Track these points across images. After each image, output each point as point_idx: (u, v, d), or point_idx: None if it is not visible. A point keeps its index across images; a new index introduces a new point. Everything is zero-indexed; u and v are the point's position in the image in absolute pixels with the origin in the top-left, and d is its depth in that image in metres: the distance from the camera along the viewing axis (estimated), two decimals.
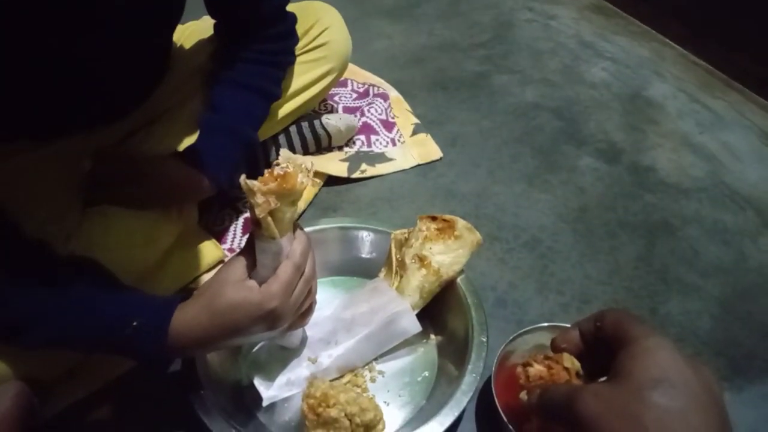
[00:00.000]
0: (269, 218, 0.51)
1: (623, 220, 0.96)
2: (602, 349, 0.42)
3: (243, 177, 0.50)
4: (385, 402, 0.66)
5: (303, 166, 0.52)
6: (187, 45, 0.92)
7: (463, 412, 0.61)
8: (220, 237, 0.88)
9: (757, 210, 0.99)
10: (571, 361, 0.47)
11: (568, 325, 0.69)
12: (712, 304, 0.83)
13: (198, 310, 0.53)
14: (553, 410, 0.40)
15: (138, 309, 0.54)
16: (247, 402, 0.65)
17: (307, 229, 0.78)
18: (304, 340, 0.69)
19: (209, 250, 0.82)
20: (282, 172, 0.50)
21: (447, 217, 0.74)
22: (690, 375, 0.35)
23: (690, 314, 0.81)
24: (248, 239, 0.57)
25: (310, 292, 0.60)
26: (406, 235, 0.76)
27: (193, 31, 0.94)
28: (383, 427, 0.60)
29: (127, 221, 0.71)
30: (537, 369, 0.49)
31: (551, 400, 0.41)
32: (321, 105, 1.13)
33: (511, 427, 0.60)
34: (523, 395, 0.46)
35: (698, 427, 0.32)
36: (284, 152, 0.53)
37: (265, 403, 0.63)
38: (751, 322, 0.80)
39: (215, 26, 0.87)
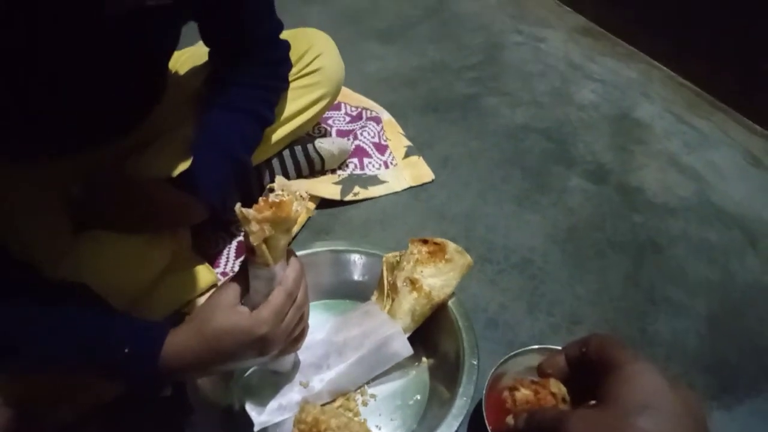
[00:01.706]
0: (264, 246, 0.52)
1: (612, 240, 0.97)
2: (588, 374, 0.43)
3: (238, 205, 0.51)
4: (377, 426, 0.66)
5: (298, 194, 0.53)
6: (183, 71, 0.94)
7: None
8: (213, 261, 0.89)
9: (743, 228, 1.01)
10: (557, 386, 0.48)
11: (559, 347, 0.70)
12: (700, 322, 0.84)
13: (189, 335, 0.54)
14: (535, 427, 0.41)
15: (129, 334, 0.55)
16: (238, 427, 0.65)
17: (299, 253, 0.79)
18: (296, 365, 0.69)
19: (202, 274, 0.83)
20: (277, 200, 0.52)
21: (438, 240, 0.75)
22: (673, 399, 0.36)
23: (678, 332, 0.82)
24: (242, 265, 0.57)
25: (302, 318, 0.61)
26: (398, 258, 0.77)
27: (189, 57, 0.95)
28: None
29: (118, 245, 0.72)
30: (524, 393, 0.50)
31: (539, 423, 0.42)
32: (314, 128, 1.15)
33: None
34: (510, 419, 0.47)
35: None
36: (279, 179, 0.54)
37: (256, 429, 0.63)
38: (738, 340, 0.82)
39: (210, 53, 0.89)
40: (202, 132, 0.81)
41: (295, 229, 0.93)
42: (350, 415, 0.66)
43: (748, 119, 1.29)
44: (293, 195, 0.53)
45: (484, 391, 0.65)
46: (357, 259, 0.80)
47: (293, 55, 0.90)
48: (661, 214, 1.04)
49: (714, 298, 0.88)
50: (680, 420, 0.35)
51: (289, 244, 0.77)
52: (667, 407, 0.35)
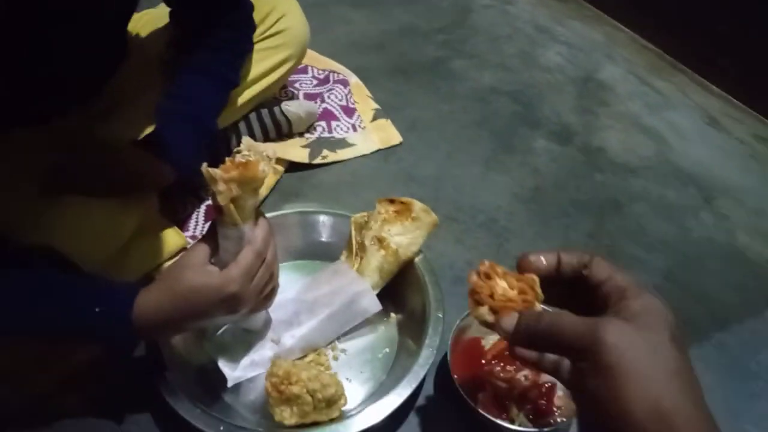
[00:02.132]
0: (231, 205, 0.53)
1: (575, 199, 1.00)
2: (577, 288, 0.42)
3: (205, 165, 0.51)
4: (347, 378, 0.68)
5: (265, 154, 0.54)
6: (144, 33, 0.91)
7: (422, 384, 0.64)
8: (182, 225, 0.88)
9: (699, 186, 1.05)
10: (540, 292, 0.44)
11: None
12: (656, 275, 0.88)
13: (160, 294, 0.55)
14: (559, 336, 0.37)
15: (99, 294, 0.55)
16: (212, 384, 0.66)
17: (268, 215, 0.79)
18: (267, 323, 0.70)
19: (171, 238, 0.83)
20: (244, 161, 0.52)
21: (404, 199, 0.76)
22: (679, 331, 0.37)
23: None
24: (210, 226, 0.58)
25: (272, 277, 0.62)
26: (366, 218, 0.78)
27: (149, 19, 0.93)
28: (345, 402, 0.63)
29: (87, 211, 0.71)
30: (504, 288, 0.44)
31: (558, 326, 0.38)
32: (281, 92, 1.14)
33: (466, 397, 0.63)
34: (486, 313, 0.43)
35: (696, 379, 0.36)
36: (246, 140, 0.54)
37: (229, 384, 0.64)
38: (691, 291, 0.86)
39: (171, 14, 0.87)
40: (167, 96, 0.80)
41: (264, 192, 0.94)
42: (321, 368, 0.68)
43: (708, 81, 1.32)
44: (260, 155, 0.53)
45: (449, 342, 0.68)
46: (325, 220, 0.81)
47: (256, 17, 0.88)
48: (622, 173, 1.07)
49: (670, 253, 0.92)
50: (685, 346, 0.37)
51: (260, 206, 0.78)
52: (680, 336, 0.37)
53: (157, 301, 0.55)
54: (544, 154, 1.10)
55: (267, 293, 0.62)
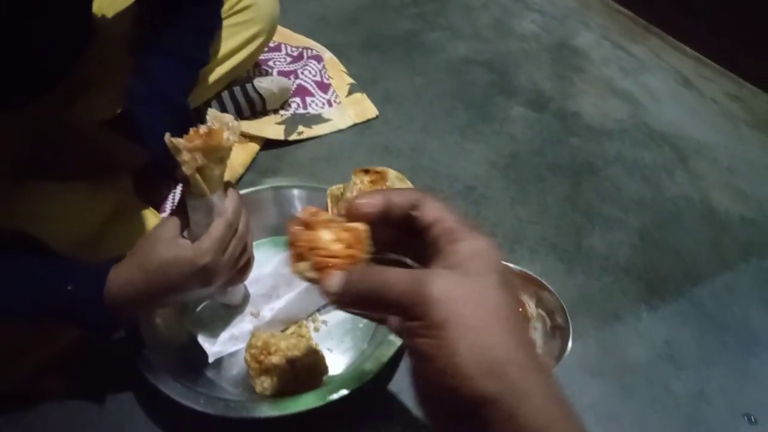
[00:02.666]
0: (197, 176, 0.52)
1: (551, 164, 1.01)
2: (410, 231, 0.39)
3: (168, 135, 0.51)
4: (328, 348, 0.69)
5: (229, 123, 0.53)
6: (110, 13, 0.89)
7: (401, 351, 0.65)
8: (158, 207, 0.87)
9: (673, 146, 1.06)
10: (368, 243, 0.39)
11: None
12: (632, 235, 0.89)
13: (131, 269, 0.54)
14: (384, 296, 0.34)
15: (71, 273, 0.55)
16: (194, 360, 0.66)
17: (241, 192, 0.79)
18: (246, 298, 0.71)
19: (148, 220, 0.82)
20: (207, 130, 0.51)
21: (379, 169, 0.76)
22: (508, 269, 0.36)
23: (612, 245, 0.87)
24: (180, 199, 0.57)
25: (245, 249, 0.61)
26: (342, 190, 0.78)
27: None
28: (326, 371, 0.63)
29: (58, 195, 0.70)
30: (327, 241, 0.39)
31: (384, 285, 0.34)
32: (255, 70, 1.12)
33: None
34: (309, 272, 0.38)
35: (522, 324, 0.35)
36: (211, 111, 0.54)
37: (210, 360, 0.65)
38: (666, 249, 0.87)
39: None
40: (136, 77, 0.79)
41: (240, 170, 0.93)
42: (302, 339, 0.68)
43: (680, 42, 1.33)
44: (223, 124, 0.53)
45: None
46: (300, 194, 0.81)
47: None
48: (597, 137, 1.07)
49: (646, 212, 0.94)
50: (515, 290, 0.36)
51: (236, 184, 0.77)
52: (511, 279, 0.35)
53: (129, 276, 0.54)
54: (520, 122, 1.10)
55: (242, 265, 0.62)
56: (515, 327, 0.33)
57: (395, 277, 0.34)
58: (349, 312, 0.41)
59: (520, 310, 0.70)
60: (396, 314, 0.34)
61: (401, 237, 0.40)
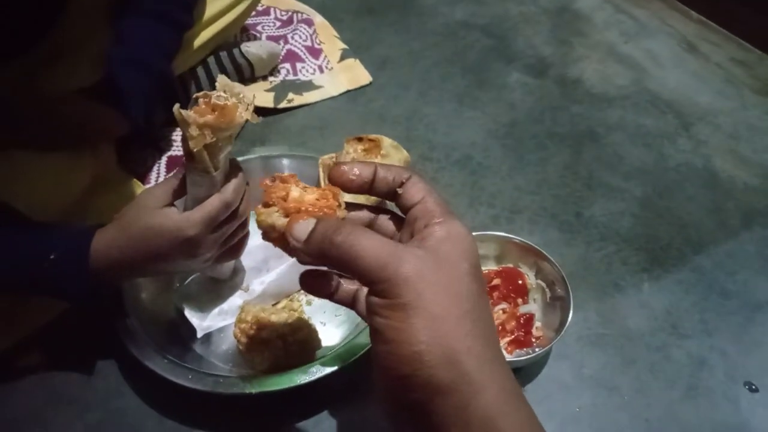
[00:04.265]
0: (204, 152, 0.48)
1: (551, 132, 0.98)
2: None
3: (177, 106, 0.46)
4: (321, 322, 0.67)
5: (243, 97, 0.48)
6: None
7: None
8: (143, 178, 0.84)
9: (677, 112, 1.03)
10: (342, 201, 0.39)
11: (499, 233, 0.71)
12: (634, 204, 0.87)
13: (115, 234, 0.53)
14: (355, 260, 0.33)
15: (54, 239, 0.53)
16: (182, 335, 0.65)
17: None
18: (237, 272, 0.68)
19: (131, 191, 0.79)
20: (221, 104, 0.46)
21: (372, 136, 0.73)
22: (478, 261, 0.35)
23: (613, 215, 0.85)
24: (177, 170, 0.55)
25: (242, 227, 0.59)
26: (334, 159, 0.75)
27: None
28: (318, 345, 0.61)
29: (35, 164, 0.68)
30: (301, 192, 0.38)
31: (358, 248, 0.33)
32: (243, 35, 1.08)
33: None
34: (275, 216, 0.36)
35: (491, 315, 0.35)
36: (222, 79, 0.48)
37: (199, 335, 0.63)
38: (668, 217, 0.85)
39: None
40: (116, 42, 0.75)
41: None
42: (294, 313, 0.66)
43: (685, 5, 1.28)
44: (238, 99, 0.47)
45: None
46: (291, 164, 0.78)
47: None
48: (599, 103, 1.04)
49: (648, 180, 0.91)
50: (483, 278, 0.35)
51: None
52: (480, 267, 0.35)
53: (114, 240, 0.53)
54: (519, 88, 1.06)
55: (235, 244, 0.60)
56: (478, 317, 0.33)
57: (369, 243, 0.33)
58: (308, 285, 0.39)
59: (518, 299, 0.68)
60: (362, 282, 0.33)
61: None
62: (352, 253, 0.32)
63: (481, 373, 0.31)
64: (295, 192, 0.37)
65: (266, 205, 0.37)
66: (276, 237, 0.36)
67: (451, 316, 0.32)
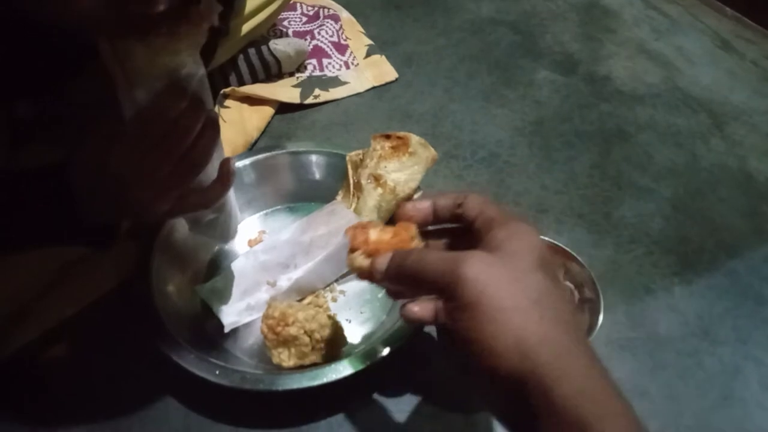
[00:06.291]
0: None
1: (579, 130, 0.96)
2: (456, 230, 0.44)
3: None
4: (347, 319, 0.67)
5: None
6: None
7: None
8: None
9: (709, 111, 1.00)
10: (415, 233, 0.44)
11: None
12: (664, 205, 0.85)
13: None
14: (423, 273, 0.37)
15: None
16: (208, 330, 0.65)
17: (257, 157, 0.77)
18: (234, 232, 0.63)
19: None
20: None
21: (400, 134, 0.73)
22: (549, 254, 0.37)
23: (643, 216, 0.83)
24: None
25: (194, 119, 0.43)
26: (361, 156, 0.74)
27: None
28: (345, 342, 0.61)
29: None
30: (379, 233, 0.44)
31: (408, 265, 0.38)
32: (270, 31, 1.08)
33: None
34: (360, 258, 0.43)
35: (566, 304, 0.36)
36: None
37: (226, 330, 0.63)
38: (700, 219, 0.83)
39: None
40: None
41: (255, 134, 0.90)
42: (320, 310, 0.66)
43: (719, 1, 1.25)
44: None
45: None
46: (319, 160, 0.78)
47: None
48: (628, 102, 1.02)
49: (679, 181, 0.89)
50: (554, 271, 0.37)
51: (251, 147, 0.72)
52: (550, 261, 0.37)
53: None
54: (547, 86, 1.04)
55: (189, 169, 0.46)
56: (550, 306, 0.34)
57: (434, 256, 0.37)
58: (399, 298, 0.44)
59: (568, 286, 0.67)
60: (435, 293, 0.37)
61: (450, 238, 0.45)
62: (419, 268, 0.37)
63: (560, 360, 0.32)
64: (373, 234, 0.43)
65: (353, 249, 0.44)
66: (365, 275, 0.43)
67: (519, 308, 0.33)
